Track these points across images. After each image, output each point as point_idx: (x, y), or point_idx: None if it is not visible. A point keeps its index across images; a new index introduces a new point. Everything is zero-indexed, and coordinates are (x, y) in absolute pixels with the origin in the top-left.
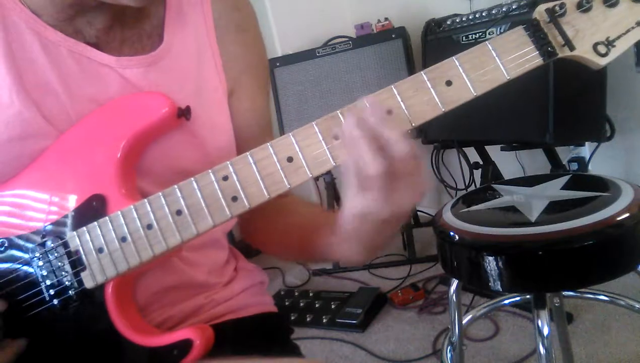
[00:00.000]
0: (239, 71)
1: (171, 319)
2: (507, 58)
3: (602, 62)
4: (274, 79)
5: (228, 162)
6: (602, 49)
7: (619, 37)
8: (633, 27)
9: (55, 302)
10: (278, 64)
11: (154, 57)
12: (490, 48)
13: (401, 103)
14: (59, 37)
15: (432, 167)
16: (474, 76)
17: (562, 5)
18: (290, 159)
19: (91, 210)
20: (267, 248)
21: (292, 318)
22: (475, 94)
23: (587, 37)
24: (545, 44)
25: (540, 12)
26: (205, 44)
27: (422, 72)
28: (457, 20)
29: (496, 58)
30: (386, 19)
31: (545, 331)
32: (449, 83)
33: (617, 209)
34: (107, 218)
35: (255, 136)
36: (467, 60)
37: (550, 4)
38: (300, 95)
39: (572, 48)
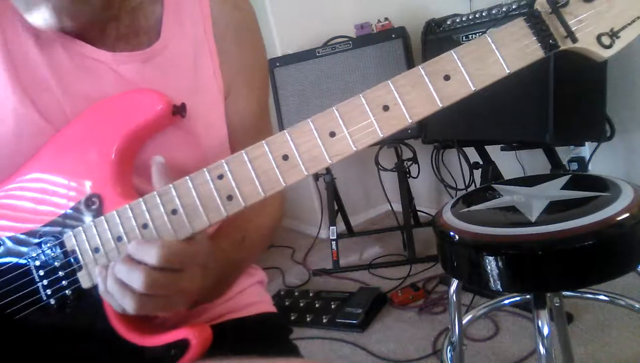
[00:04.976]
0: (236, 71)
1: (171, 318)
2: (507, 51)
3: (606, 54)
4: (274, 79)
5: (223, 161)
6: (606, 40)
7: (623, 28)
8: (639, 17)
9: (52, 301)
10: (278, 64)
11: (150, 53)
12: (490, 41)
13: (398, 99)
14: (54, 33)
15: (432, 167)
16: (473, 70)
17: None
18: (285, 157)
19: (87, 209)
20: None
21: (292, 318)
22: (474, 89)
23: (590, 27)
24: (547, 36)
25: (541, 3)
26: (203, 42)
27: (419, 67)
28: (457, 20)
29: (496, 51)
30: (386, 19)
31: (545, 331)
32: (447, 77)
33: (617, 209)
34: (102, 217)
35: (250, 139)
36: (465, 54)
37: None
38: (300, 95)
39: (574, 40)
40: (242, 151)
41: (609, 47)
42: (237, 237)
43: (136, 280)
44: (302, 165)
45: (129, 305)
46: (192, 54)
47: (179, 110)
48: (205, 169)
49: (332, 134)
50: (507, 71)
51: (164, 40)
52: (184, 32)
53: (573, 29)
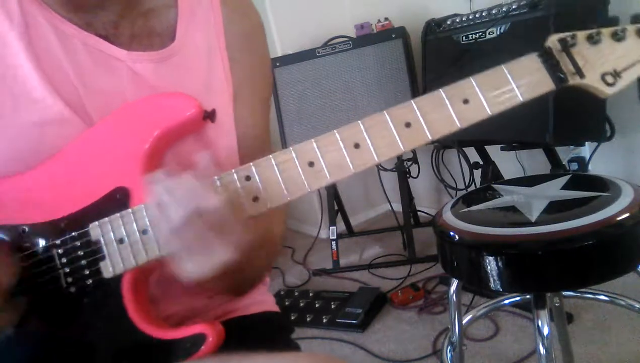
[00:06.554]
0: (242, 79)
1: (177, 315)
2: (521, 82)
3: (610, 91)
4: (274, 79)
5: (251, 163)
6: (609, 79)
7: (625, 69)
8: (639, 61)
9: (73, 289)
10: (278, 64)
11: (165, 53)
12: (506, 71)
13: (420, 117)
14: (73, 29)
15: (432, 167)
16: (490, 96)
17: (573, 37)
18: (311, 164)
19: (114, 201)
20: None
21: (292, 318)
22: (490, 113)
23: (596, 67)
24: (558, 71)
25: (553, 42)
26: (215, 48)
27: (440, 90)
28: (457, 20)
29: (511, 81)
30: (386, 19)
31: (545, 331)
32: (466, 101)
33: (617, 209)
34: (129, 210)
35: (252, 148)
36: (483, 82)
37: (562, 35)
38: (300, 95)
39: (582, 76)
40: (270, 156)
41: (612, 85)
42: (258, 240)
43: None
44: (327, 172)
45: (177, 216)
46: (205, 58)
47: (209, 115)
48: (233, 170)
49: (357, 146)
50: (521, 100)
51: (179, 42)
52: (197, 37)
53: (581, 66)
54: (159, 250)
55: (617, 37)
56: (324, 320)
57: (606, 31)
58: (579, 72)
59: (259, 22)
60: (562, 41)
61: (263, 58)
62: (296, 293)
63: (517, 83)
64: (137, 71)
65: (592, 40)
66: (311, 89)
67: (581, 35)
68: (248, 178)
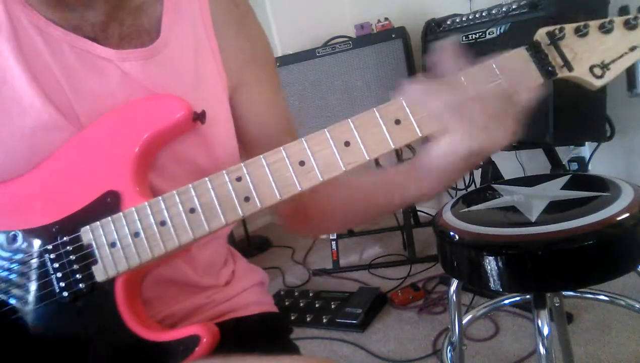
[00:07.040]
0: (243, 64)
1: (173, 316)
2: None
3: (598, 83)
4: None
5: (242, 164)
6: (597, 71)
7: (613, 61)
8: (626, 53)
9: (65, 294)
10: (278, 64)
11: (151, 50)
12: (495, 66)
13: (410, 115)
14: (59, 32)
15: None
16: (480, 91)
17: (561, 29)
18: (302, 163)
19: (105, 205)
20: (323, 224)
21: (292, 318)
22: None
23: (584, 59)
24: (546, 64)
25: (541, 35)
26: (203, 38)
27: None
28: (457, 20)
29: (500, 76)
30: (386, 19)
31: (545, 331)
32: None
33: (617, 209)
34: (121, 214)
35: (272, 125)
36: (472, 77)
37: (550, 28)
38: (300, 95)
39: (570, 69)
40: (261, 156)
41: (600, 77)
42: None
43: None
44: (318, 171)
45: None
46: (192, 52)
47: (199, 117)
48: (224, 171)
49: (347, 143)
50: None
51: (165, 37)
52: (183, 29)
53: (569, 59)
54: (419, 131)
55: (605, 29)
56: (324, 320)
57: (593, 23)
58: (567, 65)
59: (249, 8)
60: (550, 34)
61: (262, 40)
62: (296, 293)
63: (505, 77)
64: (126, 71)
65: (580, 32)
66: (311, 89)
67: (569, 27)
68: (239, 179)
